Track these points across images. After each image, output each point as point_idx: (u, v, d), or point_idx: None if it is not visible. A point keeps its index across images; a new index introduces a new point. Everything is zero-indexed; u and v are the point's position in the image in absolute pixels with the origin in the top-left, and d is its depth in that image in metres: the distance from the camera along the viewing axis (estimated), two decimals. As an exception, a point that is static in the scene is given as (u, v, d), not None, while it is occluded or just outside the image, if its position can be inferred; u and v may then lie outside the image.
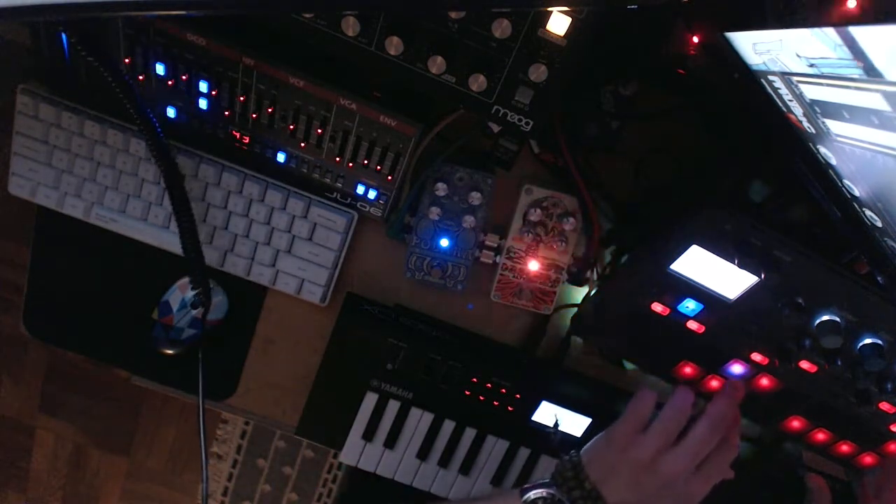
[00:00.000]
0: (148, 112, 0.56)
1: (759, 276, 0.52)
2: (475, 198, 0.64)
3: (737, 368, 0.60)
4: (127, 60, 0.58)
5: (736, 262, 0.52)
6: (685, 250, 0.52)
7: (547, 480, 0.55)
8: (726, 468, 0.57)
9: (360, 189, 0.64)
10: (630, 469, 0.54)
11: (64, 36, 0.58)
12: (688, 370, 0.61)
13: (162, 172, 0.58)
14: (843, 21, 0.28)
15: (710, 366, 0.61)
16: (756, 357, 0.58)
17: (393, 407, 0.71)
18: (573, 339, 0.72)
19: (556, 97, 0.49)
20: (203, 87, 0.58)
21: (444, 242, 0.66)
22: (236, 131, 0.61)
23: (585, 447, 0.58)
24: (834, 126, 0.36)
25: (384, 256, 0.69)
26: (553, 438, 0.70)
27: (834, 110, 0.34)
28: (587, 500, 0.53)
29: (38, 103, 0.61)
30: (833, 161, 0.40)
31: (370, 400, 0.70)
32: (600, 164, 0.64)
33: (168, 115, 0.61)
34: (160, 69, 0.58)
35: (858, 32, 0.27)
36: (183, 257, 0.62)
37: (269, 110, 0.59)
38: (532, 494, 0.54)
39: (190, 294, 0.69)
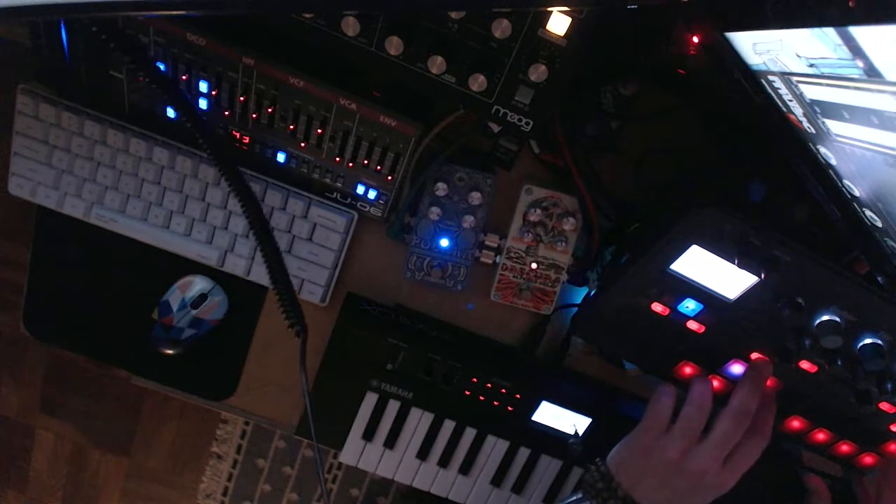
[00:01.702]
0: (212, 133, 0.54)
1: (759, 276, 0.52)
2: (475, 198, 0.64)
3: (737, 368, 0.60)
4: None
5: (736, 262, 0.51)
6: (685, 250, 0.52)
7: (579, 496, 0.55)
8: (755, 455, 0.56)
9: (360, 189, 0.64)
10: (658, 471, 0.54)
11: (65, 38, 0.58)
12: (688, 370, 0.61)
13: (241, 205, 0.55)
14: (843, 21, 0.28)
15: (710, 366, 0.61)
16: (756, 357, 0.58)
17: (393, 407, 0.71)
18: (573, 339, 0.72)
19: (556, 97, 0.49)
20: (203, 87, 0.58)
21: (444, 242, 0.66)
22: (236, 131, 0.61)
23: (609, 455, 0.58)
24: (834, 126, 0.36)
25: (384, 256, 0.69)
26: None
27: (834, 110, 0.34)
28: None
29: (38, 103, 0.61)
30: (833, 161, 0.40)
31: (370, 400, 0.70)
32: (600, 164, 0.64)
33: (168, 115, 0.61)
34: (160, 69, 0.58)
35: (858, 32, 0.27)
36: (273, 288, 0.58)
37: (269, 110, 0.59)
38: None
39: (190, 294, 0.69)
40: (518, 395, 0.70)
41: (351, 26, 0.47)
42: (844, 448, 0.64)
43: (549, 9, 0.44)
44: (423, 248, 0.67)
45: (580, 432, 0.70)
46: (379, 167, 0.62)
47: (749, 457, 0.56)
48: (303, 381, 0.59)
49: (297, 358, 0.73)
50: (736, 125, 0.59)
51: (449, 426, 0.72)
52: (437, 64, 0.48)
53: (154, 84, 0.52)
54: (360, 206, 0.65)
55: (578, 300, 0.70)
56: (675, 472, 0.54)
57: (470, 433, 0.72)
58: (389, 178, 0.62)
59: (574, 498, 0.56)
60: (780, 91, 0.39)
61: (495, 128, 0.60)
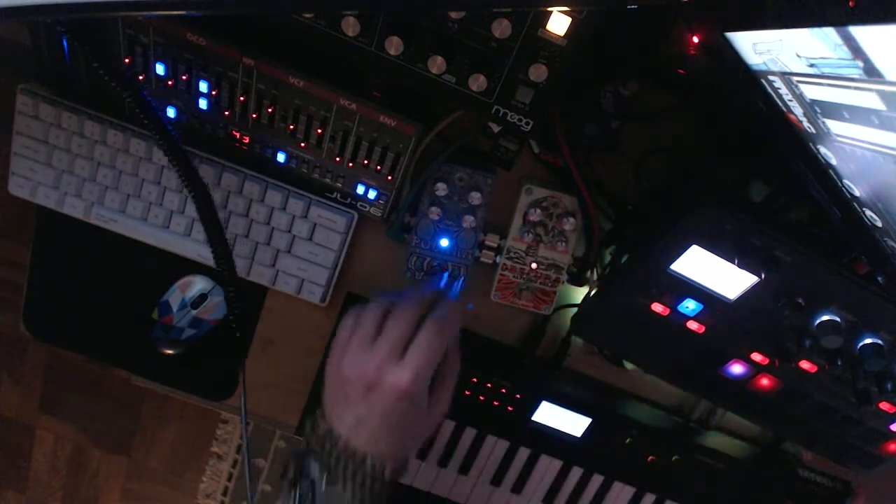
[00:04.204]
0: (164, 121, 0.55)
1: (759, 276, 0.52)
2: (475, 198, 0.64)
3: (737, 368, 0.60)
4: (127, 60, 0.58)
5: (736, 262, 0.52)
6: (685, 250, 0.52)
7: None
8: (433, 341, 0.50)
9: (360, 189, 0.64)
10: (335, 391, 0.51)
11: (65, 39, 0.58)
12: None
13: (184, 184, 0.57)
14: (843, 21, 0.28)
15: (710, 366, 0.61)
16: (756, 357, 0.58)
17: (393, 407, 0.71)
18: (573, 339, 0.72)
19: (556, 97, 0.49)
20: (203, 87, 0.58)
21: (444, 242, 0.66)
22: (236, 131, 0.61)
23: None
24: (834, 126, 0.36)
25: (384, 256, 0.69)
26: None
27: (834, 110, 0.34)
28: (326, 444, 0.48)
29: (38, 103, 0.61)
30: (833, 161, 0.40)
31: (370, 400, 0.70)
32: (600, 164, 0.64)
33: (168, 115, 0.61)
34: (160, 69, 0.58)
35: (858, 32, 0.27)
36: (215, 270, 0.61)
37: (269, 110, 0.59)
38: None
39: (190, 294, 0.69)
40: (518, 395, 0.70)
41: (351, 26, 0.47)
42: None
43: (549, 9, 0.44)
44: (423, 248, 0.67)
45: None
46: (379, 167, 0.61)
47: (425, 343, 0.49)
48: (241, 385, 0.59)
49: (297, 358, 0.73)
50: (736, 125, 0.59)
51: (449, 426, 0.72)
52: (437, 64, 0.48)
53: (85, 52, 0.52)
54: (360, 206, 0.65)
55: (578, 300, 0.70)
56: (355, 390, 0.49)
57: (470, 433, 0.72)
58: (389, 178, 0.62)
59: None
60: (780, 91, 0.39)
61: (495, 128, 0.60)
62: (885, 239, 0.43)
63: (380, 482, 0.48)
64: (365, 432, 0.48)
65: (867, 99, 0.30)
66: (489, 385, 0.69)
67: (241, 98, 0.59)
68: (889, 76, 0.27)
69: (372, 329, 0.50)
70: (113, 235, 0.66)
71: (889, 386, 0.54)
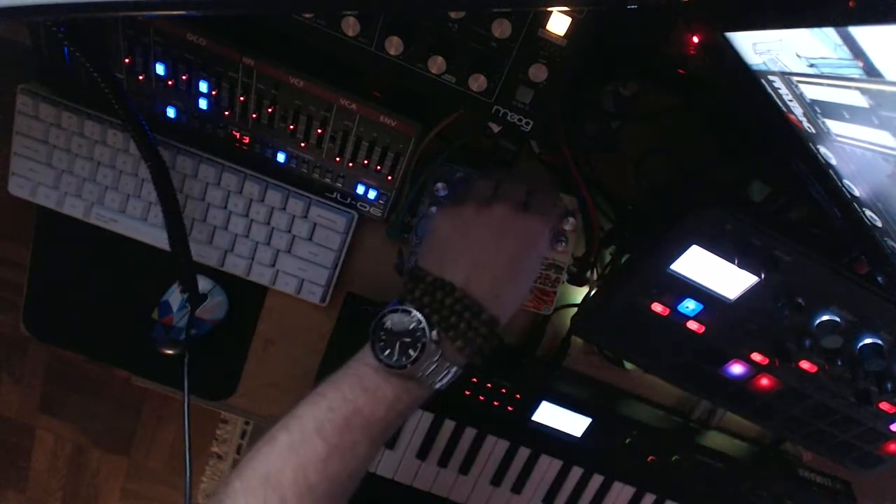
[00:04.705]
0: (130, 104, 0.55)
1: (759, 276, 0.52)
2: (475, 198, 0.64)
3: (737, 368, 0.60)
4: (127, 60, 0.58)
5: (736, 262, 0.52)
6: (685, 250, 0.52)
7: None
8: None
9: (360, 189, 0.64)
10: (456, 240, 0.49)
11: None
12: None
13: (144, 161, 0.57)
14: (843, 21, 0.28)
15: (710, 366, 0.61)
16: (756, 357, 0.58)
17: (393, 407, 0.71)
18: (573, 339, 0.72)
19: (556, 97, 0.49)
20: (203, 87, 0.58)
21: (444, 242, 0.66)
22: (236, 131, 0.61)
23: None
24: (834, 126, 0.36)
25: (384, 256, 0.69)
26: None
27: (834, 110, 0.34)
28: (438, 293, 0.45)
29: (38, 103, 0.61)
30: (833, 161, 0.40)
31: (370, 400, 0.70)
32: (600, 164, 0.64)
33: (168, 115, 0.61)
34: (160, 69, 0.58)
35: (858, 32, 0.27)
36: (170, 253, 0.62)
37: (269, 110, 0.59)
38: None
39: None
40: (518, 395, 0.70)
41: (351, 26, 0.47)
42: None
43: (549, 9, 0.44)
44: (423, 248, 0.67)
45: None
46: (379, 167, 0.61)
47: (548, 201, 0.52)
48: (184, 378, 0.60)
49: (297, 358, 0.73)
50: (736, 125, 0.59)
51: (449, 426, 0.72)
52: (437, 64, 0.48)
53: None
54: (360, 206, 0.65)
55: (578, 300, 0.70)
56: (484, 236, 0.48)
57: (470, 433, 0.72)
58: (389, 178, 0.62)
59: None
60: (780, 91, 0.39)
61: (495, 128, 0.60)
62: (885, 239, 0.43)
63: (491, 339, 0.47)
64: (489, 276, 0.47)
65: (867, 99, 0.30)
66: (489, 385, 0.69)
67: (241, 98, 0.59)
68: (889, 76, 0.27)
69: (492, 190, 0.51)
70: (113, 235, 0.66)
71: (889, 386, 0.54)
